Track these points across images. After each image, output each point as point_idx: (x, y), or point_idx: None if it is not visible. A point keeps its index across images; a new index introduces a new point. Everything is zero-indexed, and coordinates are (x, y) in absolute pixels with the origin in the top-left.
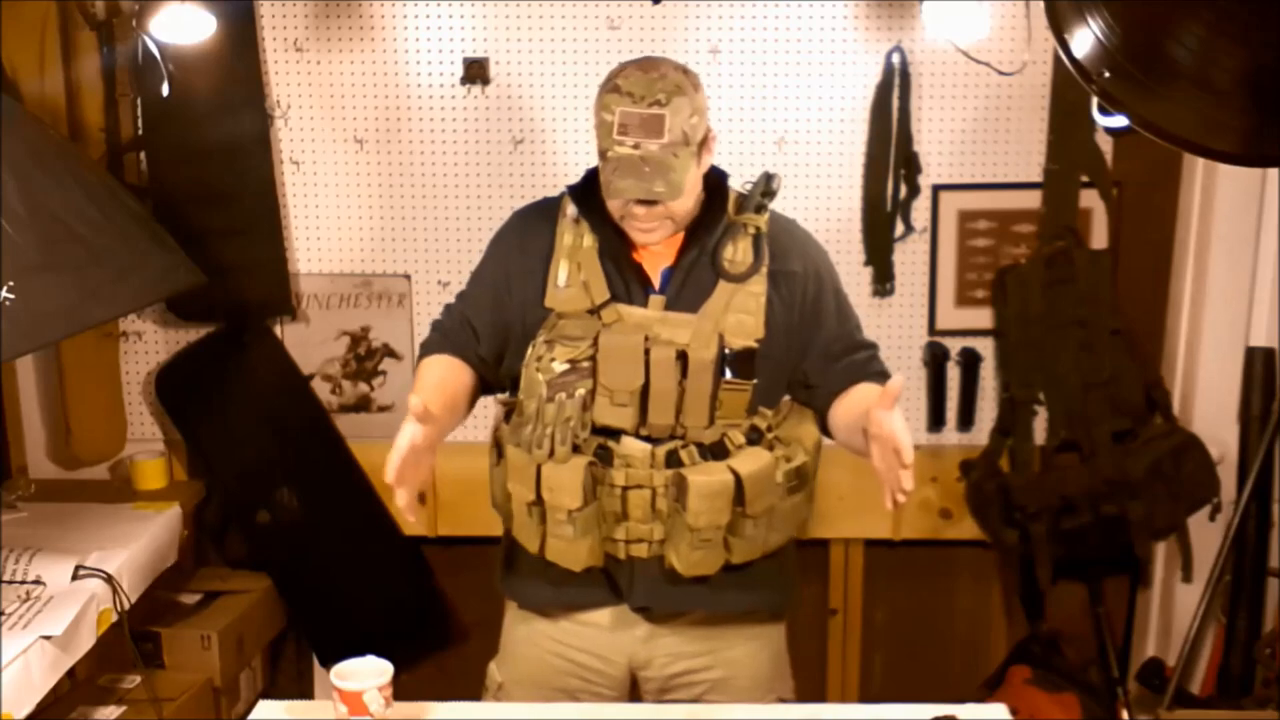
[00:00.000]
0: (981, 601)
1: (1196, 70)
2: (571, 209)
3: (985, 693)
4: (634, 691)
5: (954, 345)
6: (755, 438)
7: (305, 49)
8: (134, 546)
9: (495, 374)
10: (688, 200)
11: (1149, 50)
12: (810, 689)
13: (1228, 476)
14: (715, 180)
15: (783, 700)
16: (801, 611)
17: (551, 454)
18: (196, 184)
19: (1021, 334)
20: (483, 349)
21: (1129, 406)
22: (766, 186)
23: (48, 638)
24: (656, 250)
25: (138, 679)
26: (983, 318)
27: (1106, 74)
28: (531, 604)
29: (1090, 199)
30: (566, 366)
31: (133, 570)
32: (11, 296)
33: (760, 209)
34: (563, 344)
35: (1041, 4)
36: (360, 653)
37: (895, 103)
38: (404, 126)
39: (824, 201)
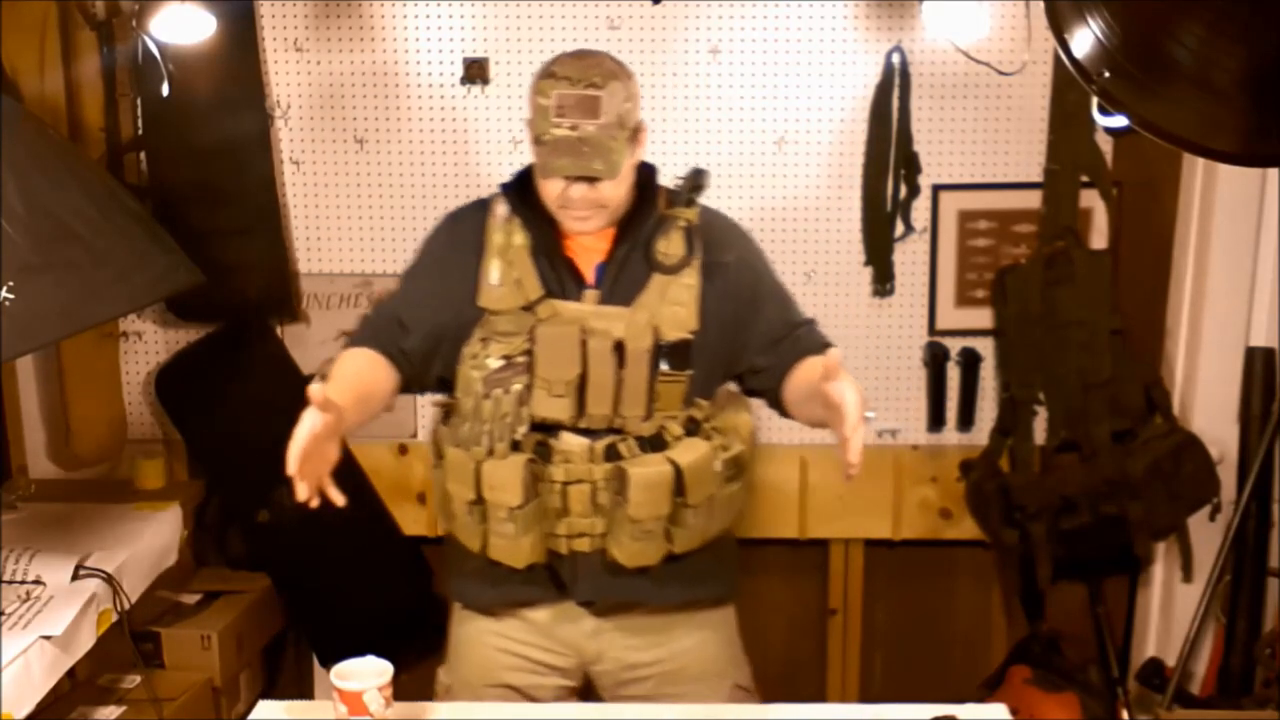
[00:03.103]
0: (981, 601)
1: (1196, 70)
2: (502, 208)
3: (985, 693)
4: (590, 689)
5: (954, 345)
6: (692, 428)
7: (305, 49)
8: (134, 546)
9: (420, 372)
10: (621, 187)
11: (1149, 50)
12: (810, 689)
13: (1228, 476)
14: (645, 175)
15: (739, 687)
16: (801, 611)
17: (490, 452)
18: (196, 184)
19: (1021, 334)
20: (410, 345)
21: (1129, 406)
22: (696, 181)
23: (48, 638)
24: (589, 245)
25: (138, 679)
26: (983, 318)
27: (1106, 74)
28: (476, 603)
29: (1090, 199)
30: (502, 362)
31: (133, 570)
32: (11, 296)
33: (690, 203)
34: (497, 340)
35: (1041, 4)
36: (360, 653)
37: (895, 103)
38: (404, 126)
39: (824, 201)
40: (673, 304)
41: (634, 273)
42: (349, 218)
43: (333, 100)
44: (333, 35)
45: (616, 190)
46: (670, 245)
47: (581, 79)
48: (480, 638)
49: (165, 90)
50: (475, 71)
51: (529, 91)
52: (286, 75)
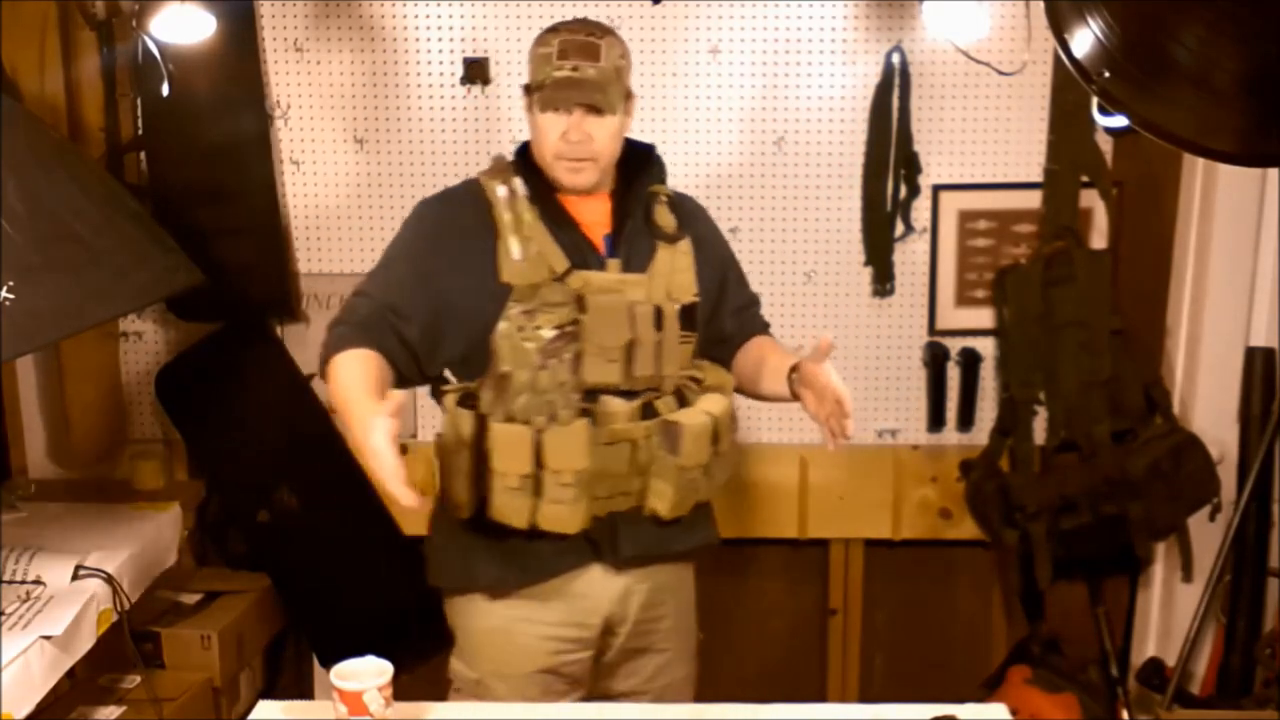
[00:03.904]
0: (981, 601)
1: (1196, 70)
2: (501, 190)
3: (985, 693)
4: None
5: (954, 345)
6: (697, 386)
7: (305, 49)
8: (134, 546)
9: (423, 362)
10: (614, 143)
11: (1149, 50)
12: (810, 689)
13: (1228, 476)
14: (644, 148)
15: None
16: (801, 611)
17: (553, 419)
18: (196, 184)
19: (1021, 334)
20: (412, 333)
21: (1129, 406)
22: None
23: (48, 638)
24: (592, 219)
25: (138, 679)
26: (983, 318)
27: (1106, 74)
28: (502, 587)
29: (1090, 199)
30: (555, 332)
31: (133, 570)
32: (11, 296)
33: (662, 180)
34: (545, 311)
35: (1041, 4)
36: (360, 653)
37: (895, 103)
38: (404, 126)
39: (824, 201)
40: (679, 271)
41: (640, 243)
42: (349, 218)
43: (333, 100)
44: (333, 35)
45: (609, 144)
46: (663, 217)
47: (581, 30)
48: (511, 625)
49: (165, 90)
50: (475, 71)
51: (528, 56)
52: (286, 75)
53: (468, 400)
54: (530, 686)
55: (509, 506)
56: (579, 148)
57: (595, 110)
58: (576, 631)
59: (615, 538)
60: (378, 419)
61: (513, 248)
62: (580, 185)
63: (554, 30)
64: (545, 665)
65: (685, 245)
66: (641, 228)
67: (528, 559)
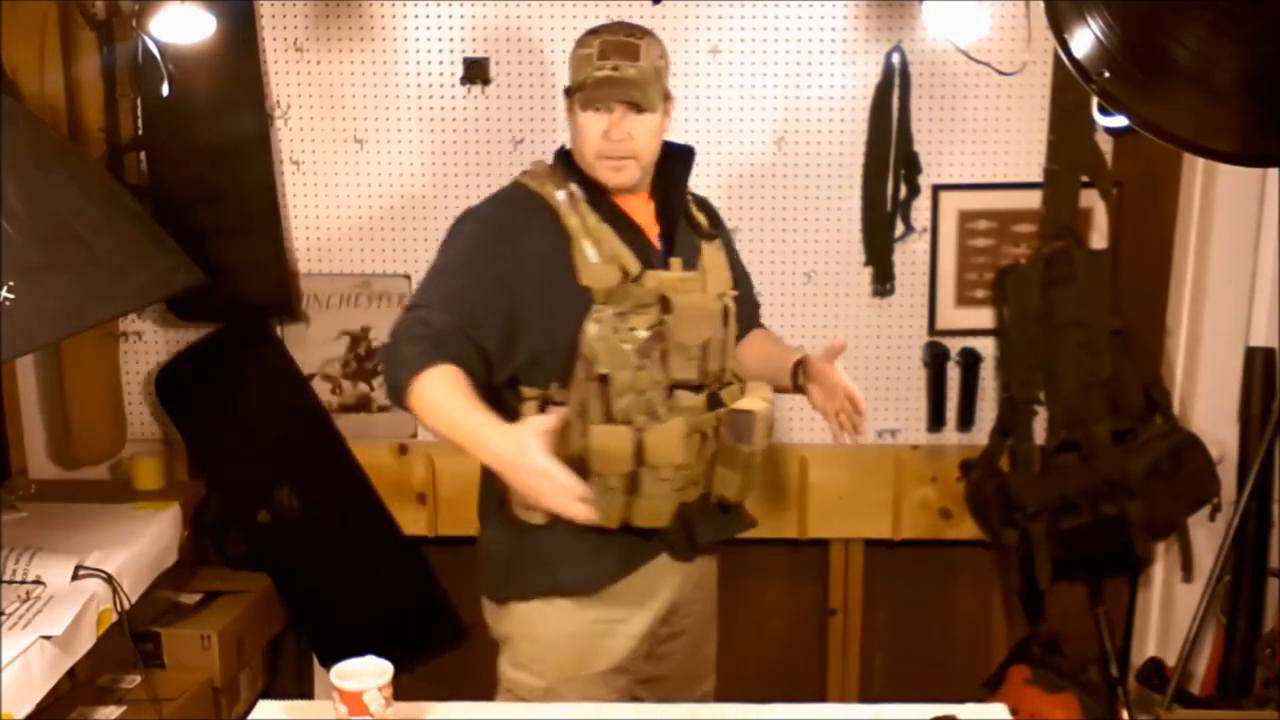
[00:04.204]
0: (981, 601)
1: (1196, 70)
2: (560, 194)
3: (985, 693)
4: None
5: (954, 345)
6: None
7: (305, 49)
8: (134, 546)
9: (488, 372)
10: (654, 141)
11: (1149, 50)
12: (810, 689)
13: (1228, 476)
14: (682, 149)
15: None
16: (801, 611)
17: (653, 418)
18: (196, 184)
19: (1021, 334)
20: (491, 342)
21: (1129, 406)
22: None
23: (48, 638)
24: (646, 221)
25: (138, 679)
26: (983, 318)
27: (1106, 74)
28: (590, 587)
29: (1090, 199)
30: (649, 333)
31: (133, 570)
32: (11, 296)
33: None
34: (637, 313)
35: (1041, 4)
36: (360, 653)
37: (895, 103)
38: (404, 126)
39: (824, 201)
40: (720, 268)
41: (688, 241)
42: (349, 218)
43: (333, 100)
44: (333, 35)
45: (649, 142)
46: (698, 216)
47: (621, 31)
48: (591, 626)
49: (165, 90)
50: (475, 71)
51: (569, 60)
52: (286, 75)
53: (544, 406)
54: (599, 686)
55: (604, 506)
56: (620, 145)
57: (636, 108)
58: (647, 624)
59: (689, 527)
60: (532, 438)
61: (589, 251)
62: (622, 183)
63: (594, 32)
64: (619, 663)
65: (719, 242)
66: (686, 226)
67: (608, 557)
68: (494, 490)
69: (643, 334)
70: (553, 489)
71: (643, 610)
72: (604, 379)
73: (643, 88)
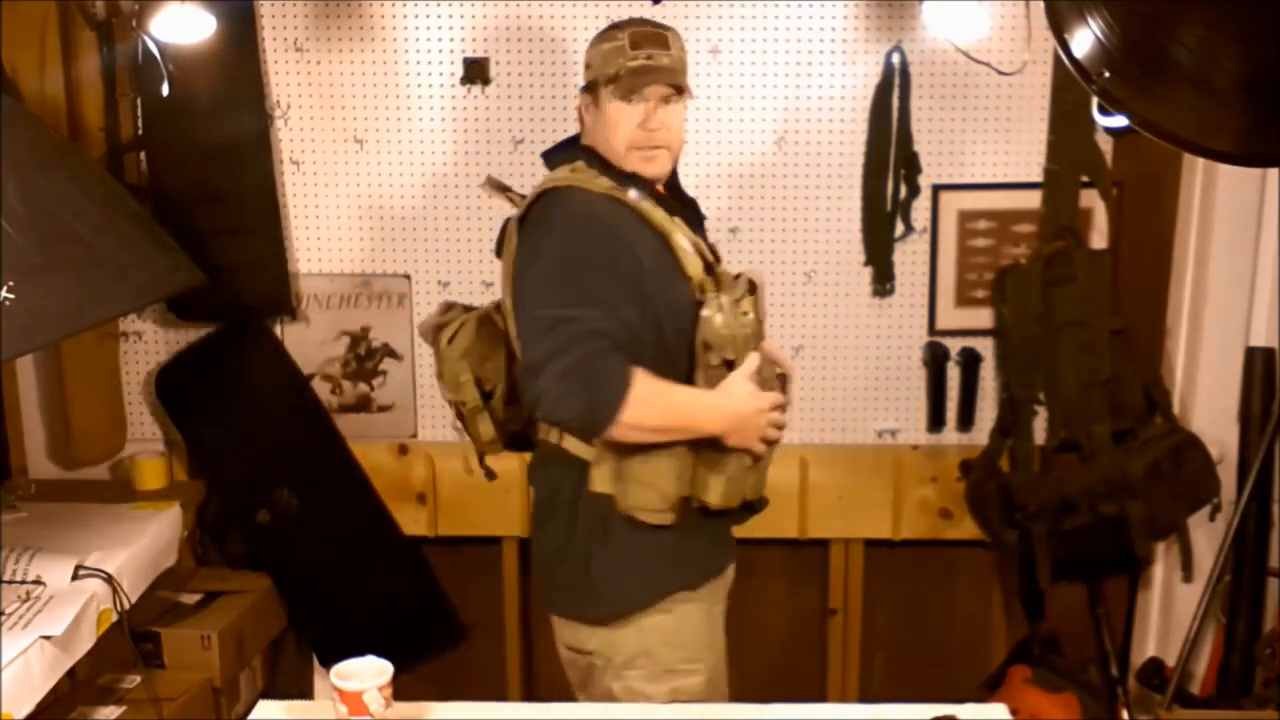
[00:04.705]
0: (981, 601)
1: (1196, 70)
2: (632, 192)
3: (985, 693)
4: None
5: (954, 345)
6: None
7: (305, 49)
8: (134, 546)
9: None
10: (681, 134)
11: (1149, 50)
12: (810, 689)
13: (1228, 476)
14: None
15: None
16: (801, 611)
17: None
18: (196, 184)
19: (1021, 334)
20: (645, 337)
21: (1129, 406)
22: None
23: (48, 638)
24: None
25: (138, 679)
26: (983, 318)
27: (1106, 74)
28: (712, 571)
29: (1090, 199)
30: (752, 316)
31: (133, 570)
32: (11, 296)
33: None
34: (742, 300)
35: (1041, 4)
36: (360, 653)
37: (895, 103)
38: (404, 126)
39: (824, 201)
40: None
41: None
42: (349, 218)
43: (333, 100)
44: (333, 35)
45: (679, 132)
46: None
47: (645, 24)
48: (711, 615)
49: (165, 90)
50: (475, 71)
51: (589, 53)
52: (286, 75)
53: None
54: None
55: (741, 486)
56: (655, 135)
57: (678, 91)
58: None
59: (747, 501)
60: (750, 383)
61: (683, 241)
62: (656, 174)
63: (617, 27)
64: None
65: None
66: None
67: (722, 542)
68: (596, 510)
69: (751, 317)
70: (781, 418)
71: (726, 587)
72: (730, 364)
73: (679, 75)
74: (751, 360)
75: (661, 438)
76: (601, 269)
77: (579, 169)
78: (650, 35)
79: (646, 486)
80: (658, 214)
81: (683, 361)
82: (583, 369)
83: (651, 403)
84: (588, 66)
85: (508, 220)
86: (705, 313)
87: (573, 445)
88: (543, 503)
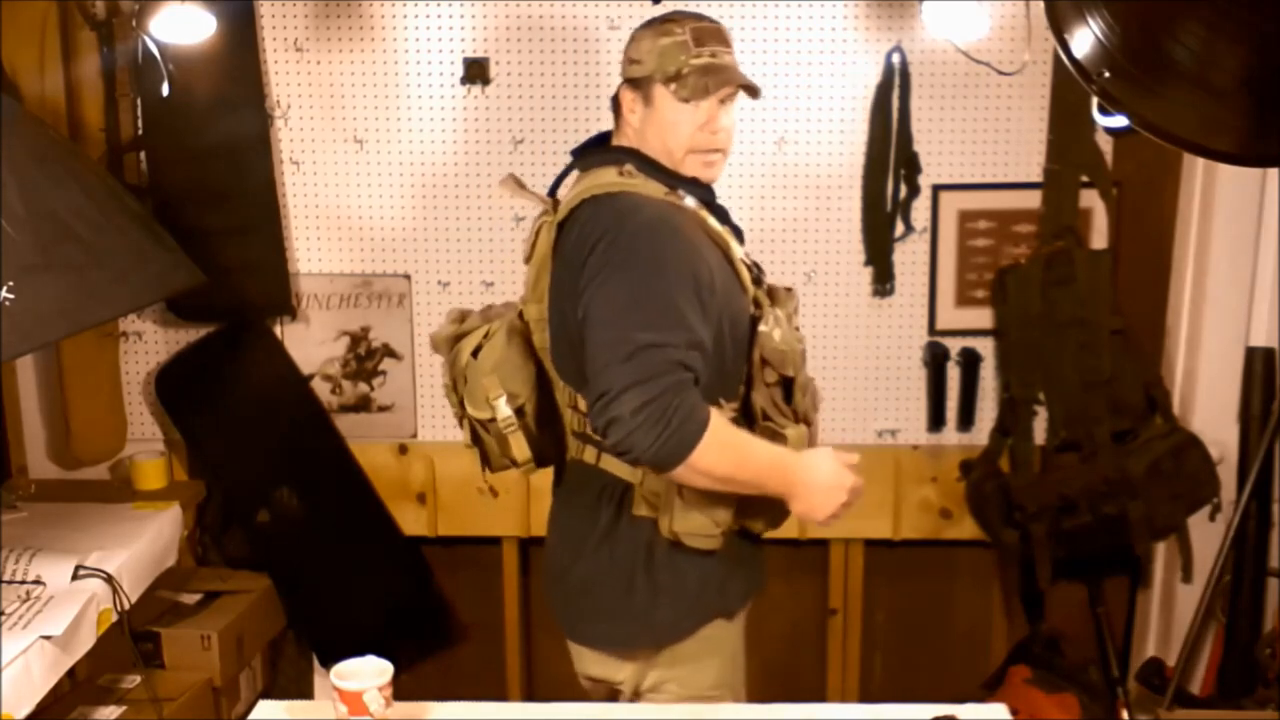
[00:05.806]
0: (981, 601)
1: (1196, 70)
2: (690, 201)
3: (985, 693)
4: None
5: (954, 345)
6: None
7: (305, 49)
8: (134, 546)
9: None
10: (733, 137)
11: (1149, 50)
12: (810, 689)
13: (1228, 476)
14: None
15: None
16: (801, 611)
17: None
18: (196, 184)
19: (1021, 334)
20: (711, 365)
21: (1129, 406)
22: None
23: (48, 638)
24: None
25: (138, 679)
26: (983, 318)
27: (1106, 74)
28: (753, 591)
29: (1090, 199)
30: (800, 332)
31: (133, 570)
32: (11, 296)
33: None
34: (789, 316)
35: (1041, 4)
36: (360, 653)
37: (895, 103)
38: (404, 126)
39: (824, 201)
40: None
41: None
42: (349, 218)
43: (333, 100)
44: (333, 35)
45: (733, 135)
46: None
47: (701, 18)
48: (742, 642)
49: (165, 90)
50: (475, 71)
51: (638, 47)
52: (286, 75)
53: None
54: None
55: (788, 514)
56: (717, 138)
57: (750, 92)
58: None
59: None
60: (836, 460)
61: (739, 252)
62: (714, 179)
63: (672, 19)
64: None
65: None
66: None
67: (756, 563)
68: (639, 534)
69: (800, 333)
70: (856, 500)
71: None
72: (786, 382)
73: (744, 75)
74: (850, 456)
75: (722, 487)
76: (683, 286)
77: (629, 172)
78: (712, 31)
79: (699, 511)
80: (715, 225)
81: (738, 379)
82: (662, 402)
83: (726, 452)
84: (635, 61)
85: (539, 223)
86: (763, 328)
87: (612, 465)
88: (572, 529)
